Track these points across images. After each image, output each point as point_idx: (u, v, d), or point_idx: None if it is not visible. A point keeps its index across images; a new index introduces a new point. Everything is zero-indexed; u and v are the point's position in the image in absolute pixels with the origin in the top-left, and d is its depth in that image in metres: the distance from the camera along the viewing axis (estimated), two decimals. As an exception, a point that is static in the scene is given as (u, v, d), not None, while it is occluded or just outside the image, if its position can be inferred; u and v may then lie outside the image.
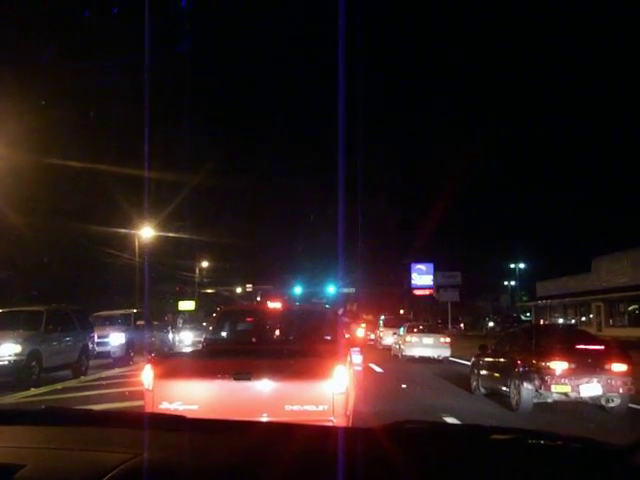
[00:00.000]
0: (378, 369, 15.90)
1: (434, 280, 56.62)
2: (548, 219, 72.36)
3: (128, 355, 17.98)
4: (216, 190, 42.47)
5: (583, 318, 39.99)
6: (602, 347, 9.61)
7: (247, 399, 4.78)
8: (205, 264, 52.04)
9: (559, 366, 8.61)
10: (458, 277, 56.12)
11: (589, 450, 1.42)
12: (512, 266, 68.39)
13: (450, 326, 58.88)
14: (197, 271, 51.48)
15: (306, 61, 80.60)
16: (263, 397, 4.78)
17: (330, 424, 4.50)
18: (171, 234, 36.64)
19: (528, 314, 67.34)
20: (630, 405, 8.95)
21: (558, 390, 8.58)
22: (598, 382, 8.54)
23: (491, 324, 62.04)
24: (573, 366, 8.63)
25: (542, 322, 45.72)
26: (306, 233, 59.64)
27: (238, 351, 5.80)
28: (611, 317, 36.22)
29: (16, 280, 27.90)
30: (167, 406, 4.73)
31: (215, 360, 5.42)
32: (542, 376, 8.63)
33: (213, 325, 7.41)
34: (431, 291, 57.48)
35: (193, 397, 4.77)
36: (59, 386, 12.05)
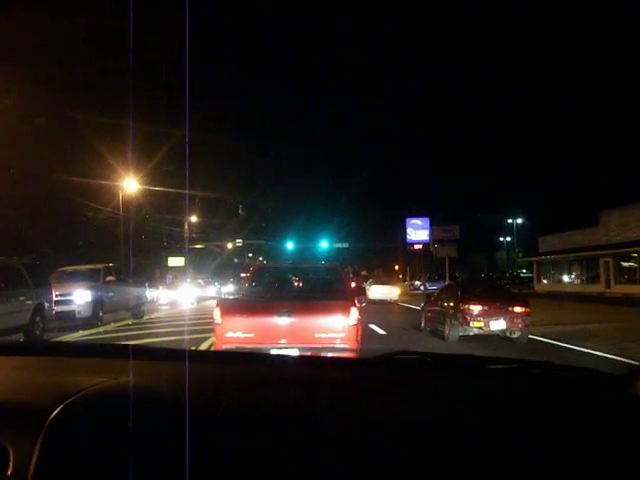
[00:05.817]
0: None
1: (431, 234, 54.34)
2: (549, 174, 70.25)
3: (96, 315, 15.83)
4: (206, 144, 39.91)
5: (592, 274, 37.91)
6: (508, 295, 13.31)
7: (288, 329, 6.68)
8: (194, 219, 49.73)
9: (475, 308, 11.67)
10: (457, 231, 54.06)
11: (588, 379, 1.42)
12: (509, 221, 66.71)
13: (447, 282, 57.27)
14: (186, 226, 49.16)
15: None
16: (299, 328, 6.69)
17: (347, 346, 6.50)
18: (157, 188, 34.42)
19: (524, 270, 65.92)
20: (531, 336, 11.98)
21: (475, 325, 11.62)
22: (504, 320, 11.53)
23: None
24: (486, 308, 11.67)
25: (542, 278, 44.31)
26: (300, 186, 57.69)
27: (279, 296, 7.86)
28: (620, 273, 34.38)
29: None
30: (231, 335, 6.61)
31: (263, 302, 7.61)
32: (464, 316, 11.64)
33: (249, 280, 9.56)
34: (426, 247, 55.26)
35: (250, 328, 6.72)
36: None
